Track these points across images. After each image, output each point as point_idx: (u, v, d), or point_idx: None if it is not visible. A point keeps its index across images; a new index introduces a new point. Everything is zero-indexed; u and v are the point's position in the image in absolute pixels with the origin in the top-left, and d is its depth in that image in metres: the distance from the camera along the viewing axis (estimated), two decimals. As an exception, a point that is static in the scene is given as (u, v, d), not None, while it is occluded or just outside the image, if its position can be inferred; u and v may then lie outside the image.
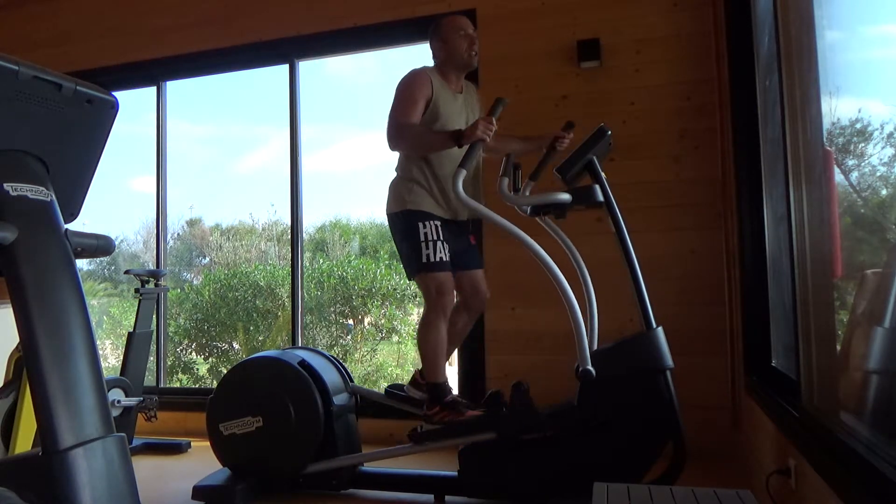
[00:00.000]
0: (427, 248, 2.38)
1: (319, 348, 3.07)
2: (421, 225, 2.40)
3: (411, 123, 2.40)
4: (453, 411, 2.36)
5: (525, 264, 2.55)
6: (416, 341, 2.49)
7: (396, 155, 2.58)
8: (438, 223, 2.43)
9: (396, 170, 2.56)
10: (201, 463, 2.90)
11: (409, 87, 2.46)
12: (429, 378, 2.43)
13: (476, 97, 2.73)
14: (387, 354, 7.18)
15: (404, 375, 7.25)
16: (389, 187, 2.55)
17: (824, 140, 1.71)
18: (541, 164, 2.54)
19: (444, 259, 2.40)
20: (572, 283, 2.34)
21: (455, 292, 2.57)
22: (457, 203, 2.47)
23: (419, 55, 2.73)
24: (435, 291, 2.39)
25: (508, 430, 2.26)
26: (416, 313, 7.55)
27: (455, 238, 2.51)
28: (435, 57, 2.59)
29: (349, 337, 7.22)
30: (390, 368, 6.88)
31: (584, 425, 2.21)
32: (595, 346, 2.35)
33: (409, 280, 2.54)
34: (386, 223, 2.65)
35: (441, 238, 2.41)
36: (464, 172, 2.23)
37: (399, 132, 2.42)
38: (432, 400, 2.40)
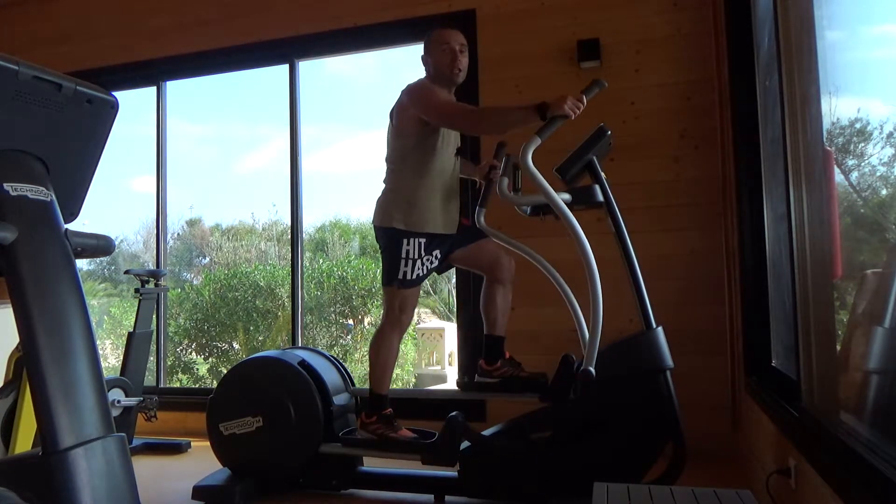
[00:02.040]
0: (405, 265, 2.40)
1: (319, 348, 3.07)
2: (405, 241, 2.40)
3: (474, 107, 2.33)
4: (388, 426, 2.41)
5: (525, 264, 2.55)
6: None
7: (390, 155, 2.52)
8: (423, 241, 2.41)
9: (385, 182, 2.51)
10: (201, 463, 2.90)
11: (429, 90, 2.40)
12: (373, 388, 2.46)
13: None
14: (387, 354, 7.18)
15: (404, 375, 7.26)
16: (378, 199, 2.51)
17: (824, 140, 1.71)
18: (485, 188, 2.58)
19: (420, 276, 2.43)
20: (572, 283, 2.35)
21: (479, 269, 2.60)
22: (449, 217, 2.49)
23: (419, 55, 2.72)
24: (398, 307, 2.44)
25: (433, 458, 2.32)
26: (415, 313, 7.54)
27: (447, 237, 2.50)
28: (425, 70, 2.52)
29: (349, 337, 7.23)
30: (390, 368, 6.88)
31: (584, 425, 2.21)
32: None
33: (382, 286, 2.56)
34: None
35: (422, 256, 2.41)
36: (538, 140, 2.10)
37: (475, 116, 2.36)
38: (371, 409, 2.44)
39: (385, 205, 2.47)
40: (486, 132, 2.37)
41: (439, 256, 2.47)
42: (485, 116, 2.41)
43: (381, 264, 2.54)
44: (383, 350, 2.46)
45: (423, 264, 2.42)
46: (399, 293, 2.43)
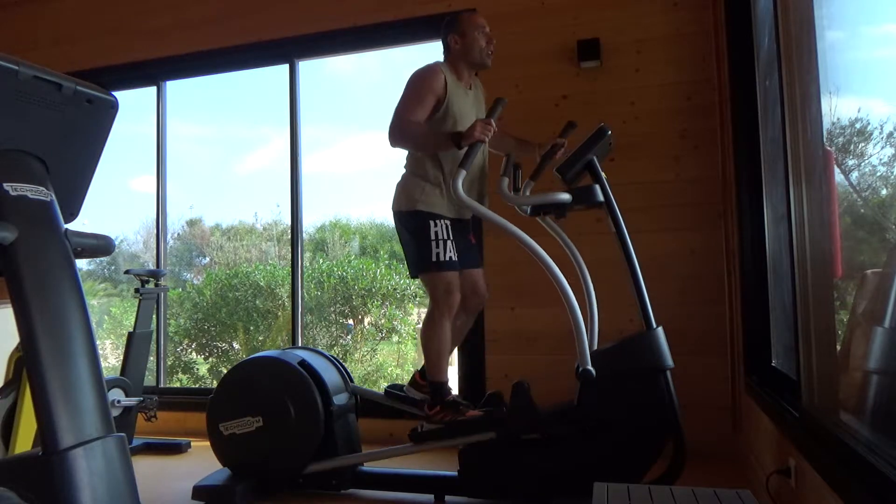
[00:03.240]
0: (437, 246, 2.37)
1: (319, 348, 3.07)
2: (432, 223, 2.39)
3: (415, 122, 2.37)
4: (454, 411, 2.35)
5: (525, 264, 2.55)
6: (419, 340, 2.48)
7: (401, 153, 2.55)
8: (448, 222, 2.42)
9: (406, 167, 2.53)
10: (201, 463, 2.90)
11: (420, 83, 2.42)
12: (431, 377, 2.42)
13: (482, 93, 2.71)
14: (387, 354, 7.18)
15: (404, 375, 7.25)
16: (398, 184, 2.51)
17: (824, 140, 1.71)
18: (541, 164, 2.54)
19: (454, 258, 2.40)
20: (573, 282, 2.34)
21: None
22: (474, 198, 2.47)
23: (420, 55, 2.72)
24: (443, 290, 2.38)
25: (508, 430, 2.26)
26: (415, 313, 7.54)
27: (460, 237, 2.50)
28: (449, 51, 2.53)
29: (349, 337, 7.22)
30: (390, 368, 6.88)
31: (585, 425, 2.21)
32: (595, 346, 2.35)
33: (413, 278, 2.53)
34: (386, 222, 2.65)
35: (451, 237, 2.40)
36: (463, 173, 2.23)
37: (402, 130, 2.39)
38: (433, 399, 2.40)
39: (407, 188, 2.46)
40: (405, 147, 2.44)
41: (456, 252, 2.44)
42: (414, 134, 2.40)
43: (407, 254, 2.50)
44: (436, 337, 2.39)
45: (453, 245, 2.39)
46: (439, 276, 2.37)
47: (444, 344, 2.40)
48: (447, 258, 2.37)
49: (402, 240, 2.54)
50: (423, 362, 2.53)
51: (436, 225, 2.39)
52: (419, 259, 2.41)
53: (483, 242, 3.13)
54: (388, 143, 2.42)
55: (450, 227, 2.42)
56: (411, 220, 2.43)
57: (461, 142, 2.27)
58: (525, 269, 2.58)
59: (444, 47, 2.56)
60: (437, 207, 2.43)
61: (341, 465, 2.46)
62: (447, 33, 2.53)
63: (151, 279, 3.49)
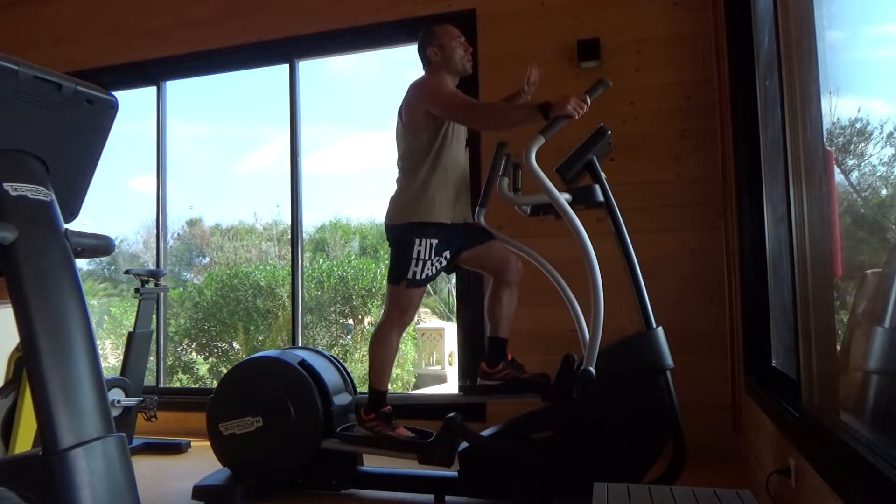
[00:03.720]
0: (416, 265, 2.39)
1: (319, 348, 3.07)
2: (417, 241, 2.40)
3: (482, 102, 2.39)
4: (385, 423, 2.41)
5: (526, 264, 2.55)
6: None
7: (403, 153, 2.53)
8: (434, 242, 2.42)
9: (398, 182, 2.52)
10: (201, 463, 2.90)
11: (431, 80, 2.47)
12: (373, 385, 2.46)
13: None
14: (387, 354, 7.17)
15: (404, 375, 7.26)
16: (392, 199, 2.52)
17: (824, 140, 1.71)
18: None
19: (429, 276, 2.43)
20: (577, 283, 2.34)
21: (487, 270, 2.62)
22: (466, 205, 2.52)
23: (420, 51, 2.72)
24: (403, 307, 2.45)
25: (430, 458, 2.30)
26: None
27: (457, 233, 2.50)
28: (429, 63, 2.55)
29: (349, 337, 7.23)
30: (390, 368, 6.88)
31: (585, 425, 2.21)
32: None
33: (387, 284, 2.57)
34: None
35: (432, 257, 2.41)
36: (541, 139, 2.14)
37: (480, 111, 2.39)
38: (371, 406, 2.44)
39: (398, 203, 2.49)
40: (487, 127, 2.42)
41: (448, 257, 2.47)
42: (488, 111, 2.41)
43: (389, 262, 2.53)
44: (383, 347, 2.46)
45: (432, 265, 2.42)
46: (405, 292, 2.42)
47: (390, 355, 2.47)
48: (422, 277, 2.41)
49: (390, 250, 2.56)
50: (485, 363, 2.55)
51: (420, 244, 2.40)
52: (395, 271, 2.44)
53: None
54: (470, 125, 2.42)
55: (433, 248, 2.42)
56: (398, 233, 2.46)
57: (550, 112, 2.14)
58: (525, 270, 2.58)
59: (425, 61, 2.57)
60: (426, 215, 2.41)
61: (345, 448, 2.47)
62: (426, 47, 2.55)
63: (151, 279, 3.49)
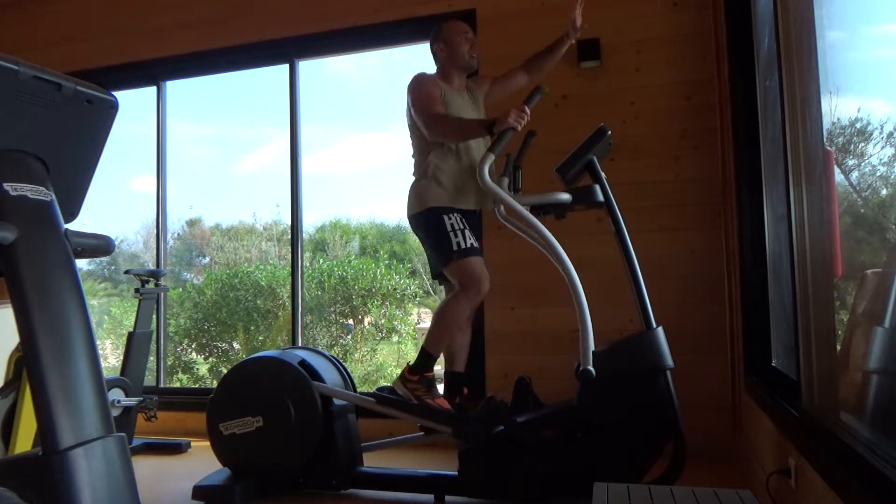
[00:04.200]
0: (456, 236, 2.40)
1: (319, 348, 3.07)
2: (445, 217, 2.43)
3: (443, 114, 2.45)
4: (427, 389, 2.40)
5: (525, 264, 2.55)
6: (419, 339, 2.50)
7: (402, 156, 2.62)
8: (459, 215, 2.46)
9: (414, 174, 2.60)
10: (201, 463, 2.90)
11: (422, 85, 2.53)
12: (427, 346, 2.44)
13: (481, 93, 2.77)
14: (387, 354, 7.18)
15: (404, 375, 7.25)
16: (410, 190, 2.58)
17: (824, 140, 1.71)
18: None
19: (475, 245, 2.43)
20: (585, 282, 2.34)
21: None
22: (480, 192, 2.52)
23: (421, 55, 2.76)
24: (470, 275, 2.38)
25: (466, 432, 2.28)
26: (415, 313, 7.54)
27: (473, 223, 2.55)
28: (436, 59, 2.68)
29: (349, 337, 7.23)
30: (390, 368, 6.88)
31: (585, 425, 2.21)
32: (594, 346, 2.35)
33: (436, 279, 2.59)
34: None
35: (465, 227, 2.44)
36: (492, 157, 2.25)
37: (436, 122, 2.45)
38: (416, 367, 2.43)
39: (417, 192, 2.52)
40: (440, 139, 2.50)
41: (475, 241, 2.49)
42: (442, 125, 2.47)
43: (429, 252, 2.56)
44: (452, 313, 2.41)
45: (470, 234, 2.43)
46: (465, 262, 2.39)
47: (455, 322, 2.42)
48: (468, 245, 2.40)
49: (423, 242, 2.60)
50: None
51: (450, 218, 2.44)
52: (441, 254, 2.44)
53: (483, 243, 3.12)
54: (428, 136, 2.48)
55: (462, 220, 2.46)
56: (425, 219, 2.48)
57: (493, 127, 2.27)
58: (525, 270, 2.58)
59: (434, 58, 2.70)
60: (447, 202, 2.47)
61: (380, 410, 2.43)
62: (434, 43, 2.67)
63: (151, 279, 3.49)
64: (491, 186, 2.26)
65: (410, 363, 2.46)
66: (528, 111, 2.27)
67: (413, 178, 2.59)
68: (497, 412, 2.27)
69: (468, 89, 2.71)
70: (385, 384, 2.67)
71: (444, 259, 2.43)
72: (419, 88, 2.53)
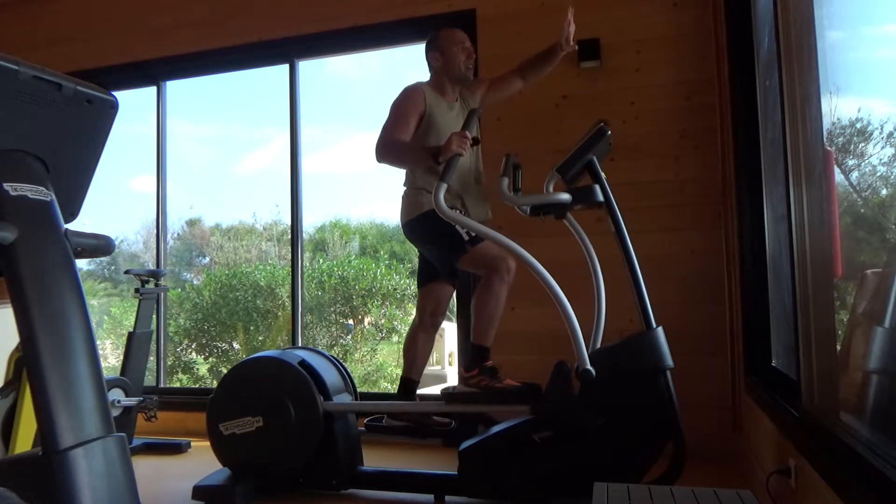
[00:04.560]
0: (461, 228, 2.39)
1: (319, 348, 3.07)
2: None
3: (398, 140, 2.46)
4: (491, 377, 2.37)
5: (525, 265, 2.55)
6: (473, 305, 2.46)
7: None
8: (457, 209, 2.48)
9: (405, 183, 2.60)
10: (201, 463, 2.90)
11: (402, 106, 2.53)
12: (477, 340, 2.43)
13: (475, 98, 2.76)
14: (387, 354, 7.19)
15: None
16: (402, 198, 2.59)
17: (824, 140, 1.71)
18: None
19: (480, 231, 2.39)
20: (585, 281, 2.34)
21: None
22: (471, 204, 2.55)
23: (420, 55, 2.75)
24: (493, 257, 2.37)
25: (544, 409, 2.22)
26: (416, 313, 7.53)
27: None
28: (431, 68, 2.66)
29: (349, 337, 7.23)
30: (390, 368, 6.88)
31: (584, 425, 2.20)
32: (598, 346, 2.35)
33: (452, 276, 2.60)
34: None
35: (466, 216, 2.44)
36: (444, 186, 2.26)
37: (385, 148, 2.48)
38: (473, 362, 2.41)
39: (412, 199, 2.53)
40: (389, 164, 2.52)
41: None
42: (396, 150, 2.49)
43: (436, 253, 2.55)
44: (491, 300, 2.38)
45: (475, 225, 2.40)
46: (479, 248, 2.38)
47: (497, 310, 2.40)
48: (475, 233, 2.38)
49: (426, 245, 2.59)
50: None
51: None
52: (451, 249, 2.43)
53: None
54: (375, 159, 2.50)
55: (459, 211, 2.47)
56: (424, 222, 2.48)
57: (439, 156, 2.33)
58: (525, 270, 2.57)
59: (428, 65, 2.68)
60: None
61: (459, 410, 2.40)
62: (429, 51, 2.65)
63: (151, 279, 3.49)
64: (448, 214, 2.26)
65: (464, 366, 2.43)
66: (468, 136, 2.31)
67: (405, 188, 2.60)
68: (568, 377, 2.22)
69: (462, 98, 2.71)
70: (386, 384, 2.67)
71: (458, 251, 2.40)
72: (398, 109, 2.52)
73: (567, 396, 2.21)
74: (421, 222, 2.50)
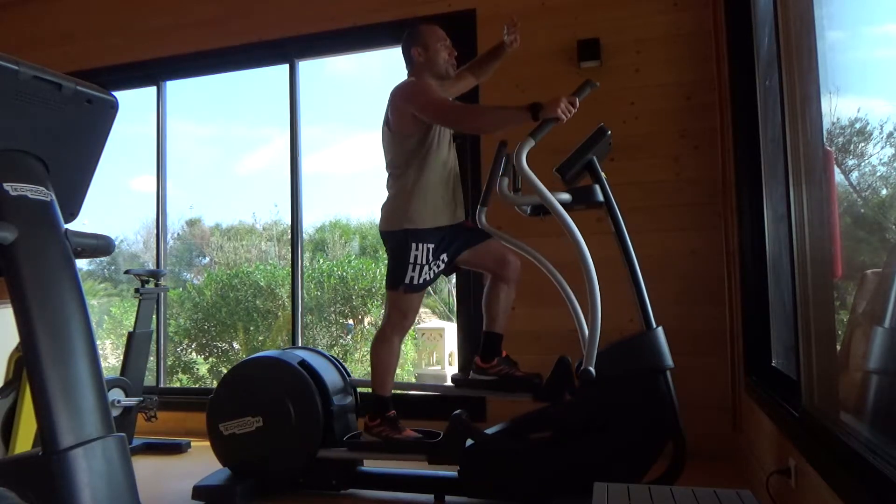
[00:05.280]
0: (413, 270, 2.38)
1: (319, 348, 3.07)
2: (413, 246, 2.38)
3: (467, 104, 2.36)
4: (393, 428, 2.42)
5: (526, 264, 2.55)
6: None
7: (392, 159, 2.52)
8: (431, 246, 2.41)
9: (388, 188, 2.51)
10: (201, 463, 2.90)
11: (423, 85, 2.44)
12: (376, 391, 2.46)
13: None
14: (387, 354, 7.17)
15: (404, 375, 7.25)
16: (383, 207, 2.50)
17: (824, 140, 1.71)
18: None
19: (426, 280, 2.42)
20: (578, 283, 2.34)
21: (485, 269, 2.60)
22: (455, 207, 2.50)
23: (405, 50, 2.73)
24: (402, 312, 2.45)
25: (439, 457, 2.32)
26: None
27: (454, 234, 2.50)
28: (412, 63, 2.54)
29: (349, 337, 7.22)
30: (390, 368, 6.87)
31: (584, 425, 2.21)
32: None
33: (386, 289, 2.57)
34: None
35: (430, 261, 2.40)
36: (532, 142, 2.13)
37: (466, 113, 2.37)
38: (375, 412, 2.44)
39: (391, 210, 2.47)
40: (478, 131, 2.40)
41: (446, 260, 2.47)
42: (479, 114, 2.42)
43: (386, 267, 2.53)
44: (384, 352, 2.46)
45: (430, 269, 2.42)
46: (404, 297, 2.42)
47: (392, 361, 2.47)
48: (420, 281, 2.40)
49: (386, 252, 2.57)
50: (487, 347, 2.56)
51: (416, 248, 2.39)
52: (393, 277, 2.44)
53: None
54: (458, 130, 2.40)
55: (430, 252, 2.40)
56: (393, 239, 2.46)
57: (540, 113, 2.14)
58: (525, 270, 2.58)
59: (408, 60, 2.55)
60: (422, 222, 2.40)
61: (352, 457, 2.45)
62: (410, 46, 2.53)
63: (151, 279, 3.49)
64: (528, 173, 2.14)
65: (368, 415, 2.46)
66: (577, 104, 2.15)
67: (388, 193, 2.50)
68: (463, 430, 2.32)
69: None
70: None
71: (392, 284, 2.43)
72: (419, 88, 2.42)
73: (569, 387, 2.27)
74: (392, 237, 2.45)
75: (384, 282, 2.55)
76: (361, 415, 2.72)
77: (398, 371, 7.02)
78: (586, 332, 2.21)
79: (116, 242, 3.98)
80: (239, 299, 7.12)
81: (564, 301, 2.47)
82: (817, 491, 1.42)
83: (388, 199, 2.50)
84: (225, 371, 4.18)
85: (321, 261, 8.00)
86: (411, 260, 2.38)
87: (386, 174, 2.54)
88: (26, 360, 1.09)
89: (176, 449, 3.38)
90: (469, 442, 2.32)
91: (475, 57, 2.81)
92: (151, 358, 3.64)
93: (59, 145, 1.31)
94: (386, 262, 2.56)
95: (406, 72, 2.58)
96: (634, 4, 3.21)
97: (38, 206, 1.20)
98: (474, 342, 3.28)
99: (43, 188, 1.22)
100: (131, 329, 3.38)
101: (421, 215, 2.40)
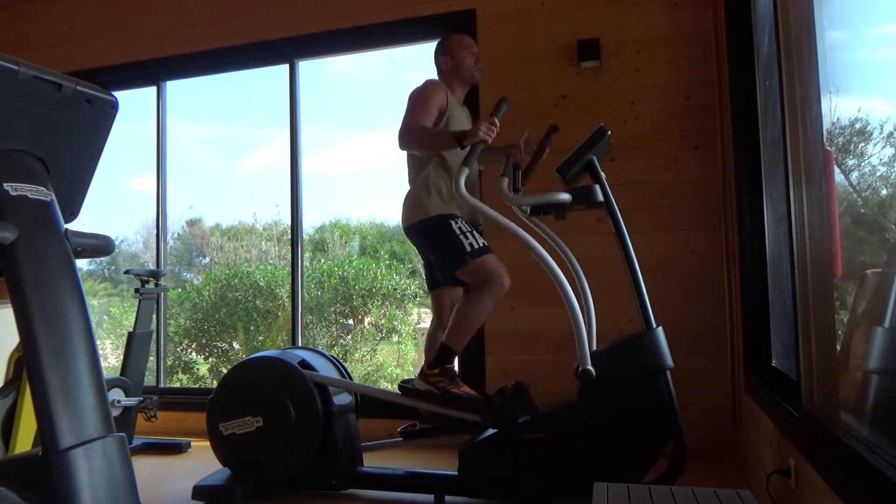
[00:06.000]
0: (467, 238, 2.41)
1: (319, 348, 3.07)
2: (452, 222, 2.45)
3: (422, 125, 2.47)
4: (450, 380, 2.40)
5: (525, 264, 2.55)
6: (419, 340, 2.51)
7: (402, 156, 2.63)
8: (462, 220, 2.49)
9: (410, 182, 2.60)
10: (201, 463, 2.90)
11: (425, 94, 2.54)
12: (448, 341, 2.43)
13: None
14: (387, 354, 7.18)
15: (404, 375, 7.25)
16: (405, 201, 2.58)
17: (824, 140, 1.71)
18: (531, 164, 2.57)
19: (484, 244, 2.42)
20: (569, 283, 2.34)
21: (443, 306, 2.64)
22: (464, 212, 2.53)
23: (421, 55, 2.77)
24: (490, 272, 2.37)
25: (495, 419, 2.27)
26: (416, 313, 7.54)
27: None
28: (441, 72, 2.69)
29: (349, 337, 7.22)
30: (390, 368, 6.88)
31: (585, 425, 2.20)
32: (594, 347, 2.35)
33: (450, 284, 2.58)
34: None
35: (471, 230, 2.45)
36: (466, 171, 2.27)
37: (410, 134, 2.48)
38: (436, 361, 2.42)
39: (417, 201, 2.52)
40: (410, 149, 2.54)
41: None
42: (421, 136, 2.48)
43: (437, 259, 2.53)
44: (477, 311, 2.39)
45: (476, 236, 2.43)
46: (481, 261, 2.38)
47: (479, 320, 2.43)
48: (480, 244, 2.41)
49: (428, 250, 2.59)
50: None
51: (456, 222, 2.45)
52: (453, 257, 2.42)
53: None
54: (398, 146, 2.51)
55: (466, 223, 2.48)
56: (430, 226, 2.48)
57: (464, 141, 2.31)
58: (525, 270, 2.58)
59: (437, 69, 2.71)
60: (450, 207, 2.50)
61: (407, 403, 2.46)
62: (439, 55, 2.70)
63: (151, 279, 3.49)
64: (468, 199, 2.27)
65: (427, 363, 2.45)
66: (497, 123, 2.29)
67: (409, 188, 2.60)
68: (525, 398, 2.26)
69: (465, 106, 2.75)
70: (386, 384, 2.67)
71: (459, 262, 2.40)
72: (420, 97, 2.53)
73: (511, 418, 2.24)
74: (425, 225, 2.50)
75: (445, 276, 2.53)
76: (362, 414, 2.72)
77: (400, 372, 7.03)
78: (583, 331, 2.21)
79: (116, 242, 3.99)
80: (239, 299, 7.12)
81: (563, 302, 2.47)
82: (817, 491, 1.42)
83: (409, 193, 2.58)
84: (225, 371, 4.18)
85: (321, 261, 8.00)
86: (457, 232, 2.41)
87: (406, 168, 2.64)
88: (26, 360, 1.09)
89: (176, 449, 3.38)
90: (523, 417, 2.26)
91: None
92: (151, 358, 3.64)
93: (59, 145, 1.31)
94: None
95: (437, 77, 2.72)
96: (634, 4, 3.21)
97: (38, 206, 1.20)
98: (474, 341, 3.28)
99: (43, 188, 1.22)
100: (131, 329, 3.38)
101: (445, 202, 2.49)
